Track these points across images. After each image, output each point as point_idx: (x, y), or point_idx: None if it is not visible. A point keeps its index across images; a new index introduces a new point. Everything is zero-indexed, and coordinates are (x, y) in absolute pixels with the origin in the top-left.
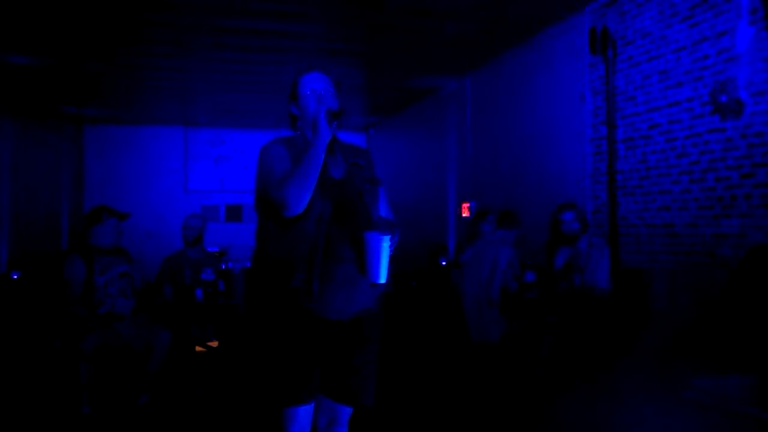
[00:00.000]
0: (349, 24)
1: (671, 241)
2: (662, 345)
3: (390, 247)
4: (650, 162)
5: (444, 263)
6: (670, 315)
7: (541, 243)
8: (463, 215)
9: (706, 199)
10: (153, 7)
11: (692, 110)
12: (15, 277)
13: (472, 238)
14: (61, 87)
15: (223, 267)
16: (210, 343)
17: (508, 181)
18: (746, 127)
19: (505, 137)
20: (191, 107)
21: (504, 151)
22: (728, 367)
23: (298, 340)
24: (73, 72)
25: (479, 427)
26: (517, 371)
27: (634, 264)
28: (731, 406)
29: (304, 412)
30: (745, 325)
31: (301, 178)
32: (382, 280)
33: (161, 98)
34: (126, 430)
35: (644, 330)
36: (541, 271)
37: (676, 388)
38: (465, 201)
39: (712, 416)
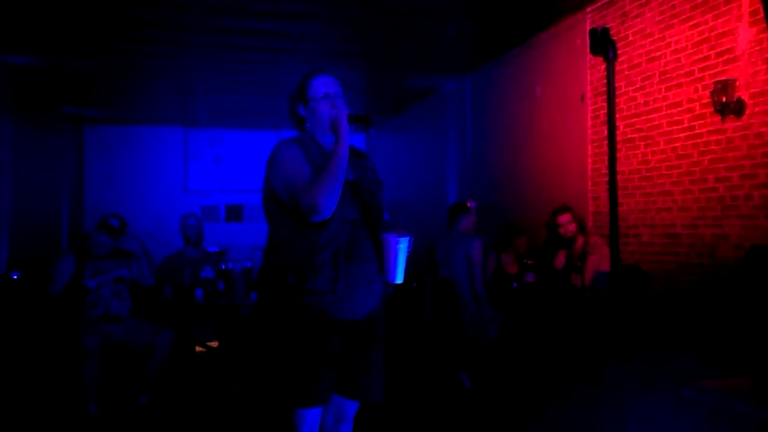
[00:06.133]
0: (349, 24)
1: (672, 242)
2: (662, 345)
3: (407, 248)
4: (651, 163)
5: None
6: (671, 315)
7: (540, 244)
8: None
9: (707, 200)
10: (153, 7)
11: (693, 111)
12: (15, 277)
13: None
14: (61, 87)
15: (223, 267)
16: (210, 343)
17: (507, 182)
18: (747, 128)
19: (505, 137)
20: (191, 107)
21: (504, 151)
22: (728, 368)
23: (317, 342)
24: (74, 72)
25: (478, 426)
26: (516, 371)
27: (635, 265)
28: (731, 406)
29: (315, 413)
30: (745, 326)
31: (331, 183)
32: (399, 280)
33: (161, 98)
34: (126, 429)
35: (644, 330)
36: (541, 271)
37: (676, 388)
38: (465, 201)
39: (712, 416)
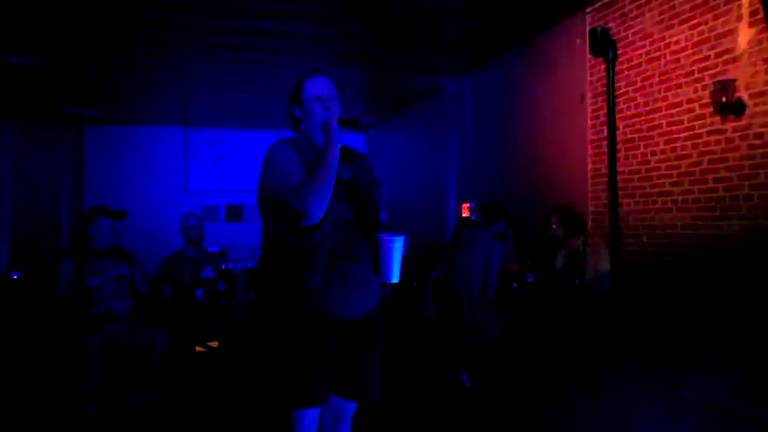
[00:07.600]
0: (348, 24)
1: (671, 242)
2: (662, 345)
3: (402, 247)
4: (650, 163)
5: None
6: (670, 316)
7: (540, 243)
8: (463, 215)
9: (707, 200)
10: (153, 7)
11: (692, 111)
12: (15, 277)
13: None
14: (61, 87)
15: (223, 267)
16: (210, 343)
17: (507, 182)
18: (746, 129)
19: (505, 138)
20: (191, 107)
21: (504, 151)
22: (728, 367)
23: (312, 343)
24: (73, 72)
25: (478, 426)
26: (517, 371)
27: (635, 265)
28: (731, 406)
29: (313, 413)
30: (745, 326)
31: (320, 189)
32: (395, 279)
33: (161, 98)
34: (126, 429)
35: (644, 330)
36: (541, 271)
37: (675, 388)
38: (465, 201)
39: (712, 416)
